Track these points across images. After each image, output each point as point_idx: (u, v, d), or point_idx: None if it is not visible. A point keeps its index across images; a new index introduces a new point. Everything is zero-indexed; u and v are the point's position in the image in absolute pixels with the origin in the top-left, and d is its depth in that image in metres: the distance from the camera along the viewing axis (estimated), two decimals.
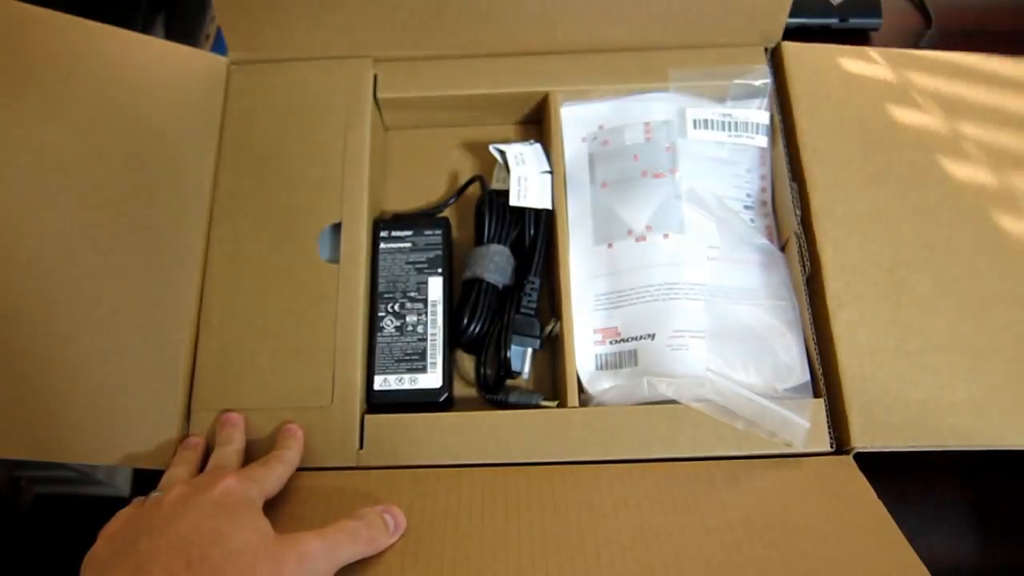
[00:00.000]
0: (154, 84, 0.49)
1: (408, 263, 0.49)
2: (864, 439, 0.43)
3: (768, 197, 0.53)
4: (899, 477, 0.44)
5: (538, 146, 0.53)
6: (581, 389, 0.46)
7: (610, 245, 0.50)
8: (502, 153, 0.51)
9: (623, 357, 0.47)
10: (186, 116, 0.50)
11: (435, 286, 0.48)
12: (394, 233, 0.50)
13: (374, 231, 0.50)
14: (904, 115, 0.51)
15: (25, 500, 0.48)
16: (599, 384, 0.46)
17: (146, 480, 0.51)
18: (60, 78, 0.44)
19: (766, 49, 0.54)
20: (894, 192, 0.49)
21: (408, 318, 0.47)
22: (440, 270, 0.49)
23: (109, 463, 0.42)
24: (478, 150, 0.55)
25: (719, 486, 0.41)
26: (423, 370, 0.46)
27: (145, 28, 0.63)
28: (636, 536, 0.37)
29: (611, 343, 0.48)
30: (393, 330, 0.47)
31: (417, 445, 0.43)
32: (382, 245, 0.49)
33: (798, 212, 0.49)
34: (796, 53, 0.53)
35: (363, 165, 0.50)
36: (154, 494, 0.36)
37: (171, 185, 0.48)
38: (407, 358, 0.46)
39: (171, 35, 0.64)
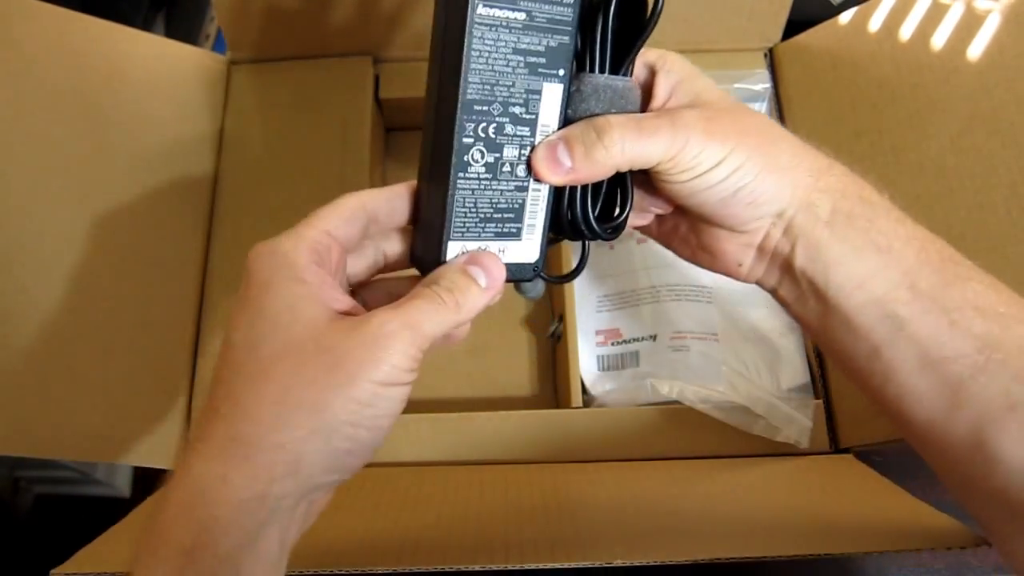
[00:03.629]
0: (155, 82, 0.49)
1: (516, 53, 0.27)
2: (853, 437, 0.43)
3: None
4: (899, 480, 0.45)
5: None
6: (584, 390, 0.46)
7: (612, 247, 0.50)
8: None
9: (625, 358, 0.47)
10: (186, 115, 0.50)
11: (551, 98, 0.29)
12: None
13: None
14: (894, 90, 0.46)
15: (25, 500, 0.48)
16: (602, 385, 0.46)
17: (146, 480, 0.51)
18: (61, 75, 0.44)
19: (765, 55, 0.54)
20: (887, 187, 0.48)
21: (507, 151, 0.29)
22: (561, 71, 0.28)
23: (109, 461, 0.41)
24: None
25: (721, 483, 0.41)
26: (516, 235, 0.30)
27: (145, 27, 0.62)
28: (637, 534, 0.37)
29: (613, 344, 0.48)
30: (482, 169, 0.28)
31: (420, 443, 0.43)
32: (481, 11, 0.26)
33: None
34: (788, 53, 0.53)
35: (363, 165, 0.50)
36: None
37: (171, 184, 0.48)
38: (498, 216, 0.29)
39: (171, 34, 0.64)
